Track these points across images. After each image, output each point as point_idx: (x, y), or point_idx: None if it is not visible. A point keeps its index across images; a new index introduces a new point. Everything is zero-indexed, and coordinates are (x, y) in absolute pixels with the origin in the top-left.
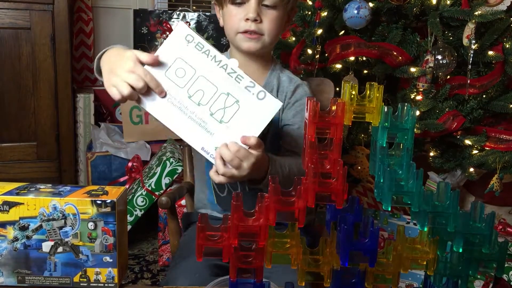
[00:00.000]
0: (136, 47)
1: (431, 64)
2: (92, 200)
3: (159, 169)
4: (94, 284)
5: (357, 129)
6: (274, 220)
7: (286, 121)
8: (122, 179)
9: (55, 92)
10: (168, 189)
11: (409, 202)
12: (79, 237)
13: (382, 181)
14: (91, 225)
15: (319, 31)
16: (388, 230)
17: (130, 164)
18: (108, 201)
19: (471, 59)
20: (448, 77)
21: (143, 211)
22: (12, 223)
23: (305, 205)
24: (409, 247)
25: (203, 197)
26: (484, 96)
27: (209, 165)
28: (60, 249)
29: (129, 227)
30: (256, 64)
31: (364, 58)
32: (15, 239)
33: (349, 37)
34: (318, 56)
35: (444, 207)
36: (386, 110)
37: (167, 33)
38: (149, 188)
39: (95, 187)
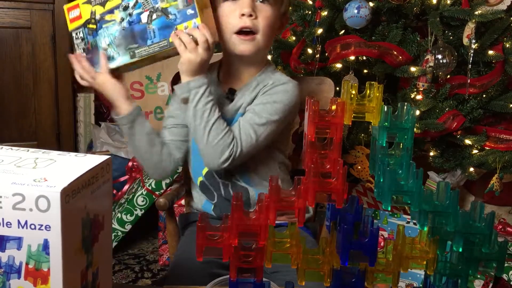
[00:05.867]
0: None
1: (431, 64)
2: None
3: None
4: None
5: (357, 129)
6: (274, 220)
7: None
8: (122, 179)
9: (56, 92)
10: (168, 189)
11: (409, 202)
12: (165, 0)
13: (382, 180)
14: None
15: (319, 31)
16: (388, 230)
17: (130, 163)
18: None
19: (471, 59)
20: (448, 76)
21: (143, 211)
22: (117, 7)
23: (305, 204)
24: (409, 246)
25: (198, 204)
26: (484, 95)
27: (195, 176)
28: (154, 16)
29: (129, 226)
30: (248, 69)
31: (364, 58)
32: (122, 19)
33: (349, 37)
34: (318, 55)
35: (444, 206)
36: (386, 109)
37: None
38: (150, 188)
39: None
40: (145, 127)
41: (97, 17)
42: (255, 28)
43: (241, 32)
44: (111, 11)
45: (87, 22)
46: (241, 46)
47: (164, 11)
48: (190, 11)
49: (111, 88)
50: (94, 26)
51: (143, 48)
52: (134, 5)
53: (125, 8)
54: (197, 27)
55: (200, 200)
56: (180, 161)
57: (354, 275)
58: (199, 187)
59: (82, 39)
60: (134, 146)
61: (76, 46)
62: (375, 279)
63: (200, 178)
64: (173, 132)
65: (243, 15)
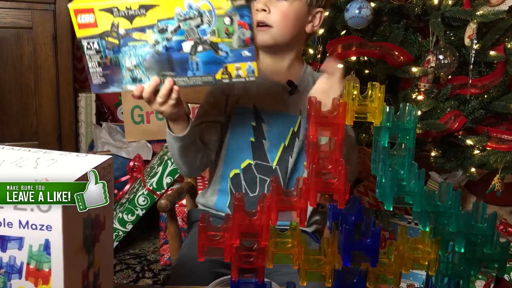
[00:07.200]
0: None
1: (433, 64)
2: None
3: (160, 168)
4: (236, 80)
5: (359, 129)
6: (275, 220)
7: None
8: (123, 179)
9: (57, 92)
10: (169, 189)
11: (410, 202)
12: (217, 34)
13: (384, 181)
14: (227, 20)
15: (321, 31)
16: (390, 230)
17: (131, 163)
18: None
19: (472, 59)
20: (450, 77)
21: (144, 211)
22: (150, 26)
23: (306, 205)
24: (411, 247)
25: (209, 203)
26: (485, 96)
27: (227, 169)
28: (200, 48)
29: (130, 226)
30: (283, 62)
31: (366, 58)
32: (156, 42)
33: (351, 37)
34: (319, 56)
35: (446, 207)
36: (387, 110)
37: None
38: (151, 188)
39: None
40: (194, 138)
41: (121, 31)
42: (268, 21)
43: (258, 25)
44: (141, 30)
45: (106, 34)
46: (258, 36)
47: (213, 46)
48: (246, 53)
49: (169, 113)
50: (117, 42)
51: (181, 78)
52: (175, 30)
53: (162, 30)
54: (252, 72)
55: (215, 197)
56: (212, 160)
57: (355, 275)
58: (229, 180)
59: (98, 52)
60: (180, 155)
61: (87, 57)
62: (376, 280)
63: (236, 171)
64: (209, 131)
65: (257, 10)
